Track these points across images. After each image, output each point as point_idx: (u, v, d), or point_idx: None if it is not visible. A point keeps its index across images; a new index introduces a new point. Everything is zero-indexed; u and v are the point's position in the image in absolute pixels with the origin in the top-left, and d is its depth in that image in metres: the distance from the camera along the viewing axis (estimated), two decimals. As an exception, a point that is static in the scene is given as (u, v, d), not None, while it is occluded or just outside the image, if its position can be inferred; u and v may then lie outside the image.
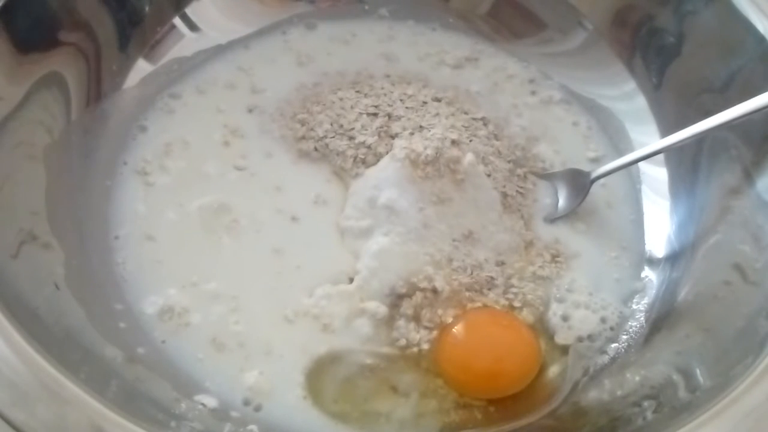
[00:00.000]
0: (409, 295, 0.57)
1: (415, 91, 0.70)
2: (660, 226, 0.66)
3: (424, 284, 0.57)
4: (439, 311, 0.57)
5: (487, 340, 0.56)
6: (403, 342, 0.57)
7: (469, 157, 0.61)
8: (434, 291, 0.57)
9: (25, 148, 0.58)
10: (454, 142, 0.62)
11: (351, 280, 0.59)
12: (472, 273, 0.59)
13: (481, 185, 0.62)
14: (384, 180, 0.62)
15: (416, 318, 0.57)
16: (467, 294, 0.58)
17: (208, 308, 0.58)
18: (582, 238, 0.65)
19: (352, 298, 0.58)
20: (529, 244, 0.63)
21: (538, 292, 0.60)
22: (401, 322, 0.57)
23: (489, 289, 0.59)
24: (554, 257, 0.63)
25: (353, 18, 0.78)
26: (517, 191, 0.65)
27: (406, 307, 0.57)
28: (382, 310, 0.57)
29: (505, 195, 0.64)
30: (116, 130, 0.67)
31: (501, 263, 0.61)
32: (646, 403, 0.51)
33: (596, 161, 0.69)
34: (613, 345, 0.59)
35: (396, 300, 0.58)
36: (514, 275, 0.61)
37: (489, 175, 0.63)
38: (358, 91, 0.70)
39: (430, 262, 0.59)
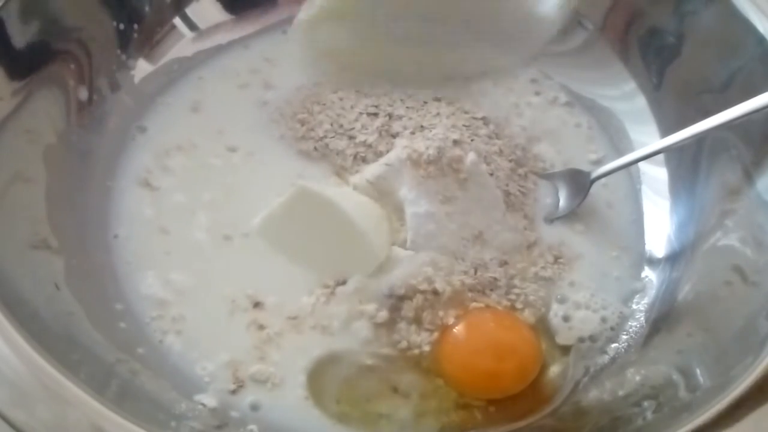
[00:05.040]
0: (409, 297, 0.57)
1: (415, 91, 0.70)
2: (660, 226, 0.66)
3: (423, 286, 0.57)
4: (440, 313, 0.57)
5: (488, 340, 0.56)
6: (404, 344, 0.56)
7: (471, 156, 0.61)
8: (435, 293, 0.57)
9: (25, 148, 0.58)
10: (455, 142, 0.62)
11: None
12: (476, 273, 0.59)
13: (484, 184, 0.62)
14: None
15: (417, 320, 0.57)
16: (470, 295, 0.58)
17: (209, 308, 0.58)
18: (582, 238, 0.65)
19: (350, 300, 0.58)
20: (531, 245, 0.63)
21: (540, 293, 0.60)
22: (402, 325, 0.57)
23: (491, 290, 0.59)
24: (557, 258, 0.63)
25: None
26: (519, 190, 0.65)
27: (407, 309, 0.57)
28: (383, 314, 0.57)
29: (507, 194, 0.64)
30: (116, 130, 0.67)
31: (504, 263, 0.61)
32: (646, 403, 0.51)
33: (597, 163, 0.69)
34: (614, 345, 0.59)
35: (397, 302, 0.57)
36: (516, 276, 0.61)
37: (492, 174, 0.63)
38: (358, 91, 0.70)
39: (430, 263, 0.58)
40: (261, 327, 0.57)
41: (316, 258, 0.59)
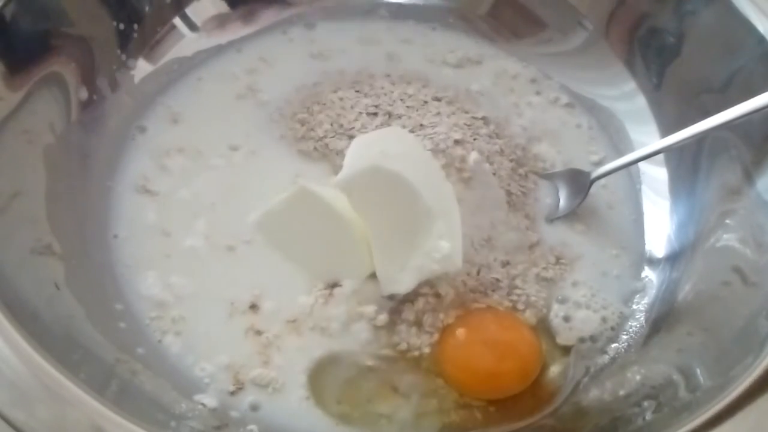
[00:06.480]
0: (410, 300, 0.57)
1: (415, 91, 0.70)
2: (660, 226, 0.66)
3: (426, 289, 0.57)
4: (441, 315, 0.57)
5: (489, 340, 0.56)
6: (404, 346, 0.56)
7: (474, 155, 0.61)
8: (437, 296, 0.57)
9: (25, 147, 0.58)
10: (457, 142, 0.62)
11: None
12: (479, 274, 0.59)
13: (488, 183, 0.62)
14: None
15: (418, 323, 0.57)
16: (471, 295, 0.58)
17: (209, 308, 0.58)
18: (582, 238, 0.65)
19: (349, 301, 0.58)
20: (533, 245, 0.63)
21: (541, 294, 0.60)
22: (402, 327, 0.57)
23: (493, 291, 0.59)
24: (558, 259, 0.63)
25: (353, 18, 0.78)
26: (519, 190, 0.65)
27: (408, 312, 0.57)
28: (383, 317, 0.57)
29: (509, 194, 0.64)
30: (116, 130, 0.67)
31: (506, 263, 0.61)
32: (646, 403, 0.51)
33: (598, 164, 0.69)
34: (614, 345, 0.59)
35: (397, 305, 0.57)
36: (518, 276, 0.61)
37: (494, 174, 0.63)
38: (358, 91, 0.70)
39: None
40: (259, 332, 0.57)
41: (310, 258, 0.59)
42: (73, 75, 0.64)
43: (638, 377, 0.55)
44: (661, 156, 0.67)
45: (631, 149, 0.68)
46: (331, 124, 0.67)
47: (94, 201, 0.62)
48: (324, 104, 0.69)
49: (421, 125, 0.65)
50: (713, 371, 0.51)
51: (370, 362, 0.56)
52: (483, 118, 0.68)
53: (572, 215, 0.65)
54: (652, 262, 0.64)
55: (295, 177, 0.65)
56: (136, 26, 0.70)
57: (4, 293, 0.48)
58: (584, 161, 0.70)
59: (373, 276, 0.57)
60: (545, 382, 0.57)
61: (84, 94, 0.65)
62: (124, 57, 0.69)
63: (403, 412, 0.54)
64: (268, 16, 0.77)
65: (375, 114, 0.67)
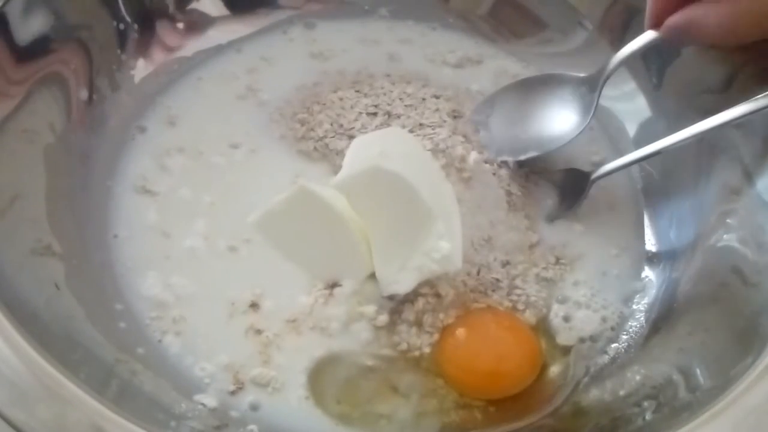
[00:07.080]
0: (410, 300, 0.57)
1: (415, 90, 0.70)
2: (660, 226, 0.66)
3: (426, 289, 0.57)
4: (441, 315, 0.57)
5: (489, 340, 0.56)
6: (404, 346, 0.56)
7: (474, 155, 0.61)
8: (437, 296, 0.57)
9: (25, 147, 0.58)
10: (457, 141, 0.62)
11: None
12: (479, 274, 0.59)
13: (488, 182, 0.62)
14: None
15: (418, 323, 0.57)
16: (471, 295, 0.58)
17: (209, 308, 0.58)
18: (582, 238, 0.65)
19: (349, 301, 0.58)
20: (533, 245, 0.63)
21: (541, 294, 0.60)
22: (402, 327, 0.57)
23: (493, 291, 0.59)
24: (558, 259, 0.62)
25: (353, 18, 0.78)
26: (519, 190, 0.65)
27: (408, 312, 0.57)
28: (383, 317, 0.57)
29: (509, 194, 0.64)
30: (116, 130, 0.67)
31: (506, 263, 0.61)
32: (646, 403, 0.51)
33: (599, 164, 0.69)
34: (614, 345, 0.59)
35: (397, 305, 0.57)
36: (518, 276, 0.60)
37: (494, 174, 0.63)
38: (357, 91, 0.70)
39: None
40: (259, 331, 0.57)
41: (310, 258, 0.59)
42: (73, 75, 0.64)
43: (638, 377, 0.55)
44: (661, 156, 0.67)
45: (631, 149, 0.68)
46: (331, 124, 0.67)
47: (94, 201, 0.62)
48: (324, 104, 0.69)
49: (421, 124, 0.65)
50: (713, 371, 0.51)
51: (370, 362, 0.56)
52: (483, 118, 0.68)
53: (572, 215, 0.65)
54: (652, 262, 0.64)
55: (295, 177, 0.65)
56: (136, 26, 0.70)
57: (4, 293, 0.48)
58: (584, 161, 0.70)
59: (373, 276, 0.57)
60: (545, 382, 0.57)
61: (84, 94, 0.65)
62: (124, 57, 0.69)
63: (403, 412, 0.54)
64: (268, 16, 0.77)
65: (375, 114, 0.67)
